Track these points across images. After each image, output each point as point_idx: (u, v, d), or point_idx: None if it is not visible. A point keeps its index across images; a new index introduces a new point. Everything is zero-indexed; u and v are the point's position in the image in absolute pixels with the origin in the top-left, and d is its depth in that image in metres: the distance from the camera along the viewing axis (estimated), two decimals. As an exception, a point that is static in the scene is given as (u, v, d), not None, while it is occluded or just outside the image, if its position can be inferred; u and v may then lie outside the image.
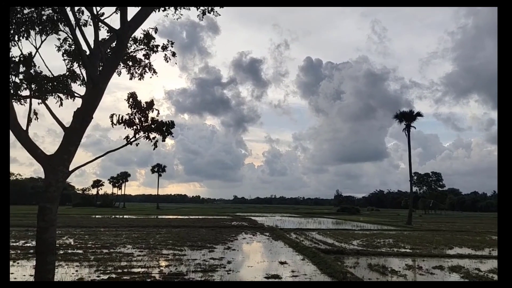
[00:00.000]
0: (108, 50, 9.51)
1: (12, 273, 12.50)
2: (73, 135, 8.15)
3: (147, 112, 9.67)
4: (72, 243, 20.80)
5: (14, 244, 20.30)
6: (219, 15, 10.22)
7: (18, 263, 14.54)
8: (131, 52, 10.54)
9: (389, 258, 17.62)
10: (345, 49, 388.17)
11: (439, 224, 47.32)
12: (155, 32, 10.58)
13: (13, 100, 8.68)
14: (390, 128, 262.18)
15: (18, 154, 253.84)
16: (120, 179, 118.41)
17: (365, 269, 14.43)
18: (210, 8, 10.02)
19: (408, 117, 51.87)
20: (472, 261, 17.13)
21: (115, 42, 8.78)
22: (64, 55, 10.04)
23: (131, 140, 9.70)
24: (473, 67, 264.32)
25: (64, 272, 12.58)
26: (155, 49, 10.61)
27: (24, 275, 12.20)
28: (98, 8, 9.00)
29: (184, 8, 9.94)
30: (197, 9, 10.04)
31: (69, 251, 17.69)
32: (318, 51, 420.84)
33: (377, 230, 34.90)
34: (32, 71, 9.17)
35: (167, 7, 9.75)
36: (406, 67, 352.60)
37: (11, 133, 8.17)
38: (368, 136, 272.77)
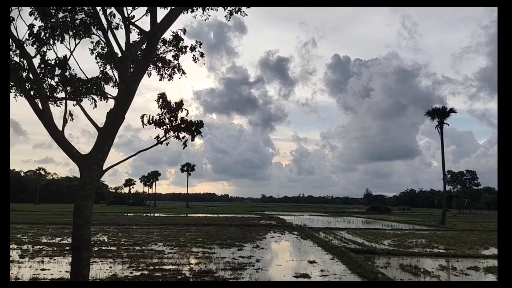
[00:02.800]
0: (139, 52, 9.73)
1: (48, 269, 12.99)
2: (106, 135, 8.39)
3: (176, 112, 9.82)
4: (106, 240, 21.43)
5: (51, 241, 21.11)
6: (246, 15, 10.26)
7: (54, 259, 15.10)
8: (161, 53, 10.74)
9: (421, 258, 17.21)
10: (374, 45, 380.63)
11: (474, 224, 45.80)
12: (184, 33, 10.74)
13: (49, 102, 9.01)
14: (422, 126, 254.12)
15: (54, 154, 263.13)
16: (151, 178, 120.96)
17: (397, 270, 14.16)
18: (237, 8, 10.07)
19: (440, 114, 50.39)
20: (510, 262, 16.48)
21: (145, 44, 8.96)
22: (97, 57, 10.34)
23: (162, 140, 9.89)
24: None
25: (98, 268, 12.96)
26: (183, 50, 10.76)
27: (60, 271, 12.65)
28: (129, 11, 9.23)
29: (211, 9, 10.04)
30: (225, 10, 10.11)
31: (103, 248, 18.22)
32: (346, 48, 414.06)
33: (409, 230, 34.12)
34: (67, 73, 9.49)
35: (195, 8, 9.87)
36: (438, 62, 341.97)
37: (48, 133, 8.51)
38: (399, 134, 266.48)
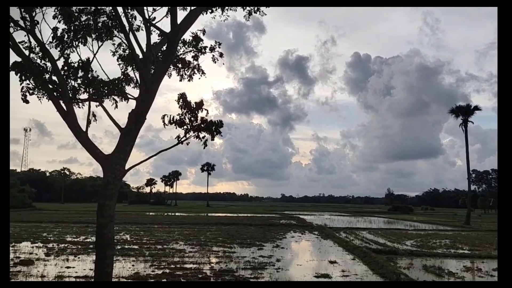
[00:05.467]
0: (159, 54, 9.84)
1: (73, 267, 13.28)
2: (128, 135, 8.52)
3: (196, 112, 9.89)
4: (129, 239, 21.79)
5: (75, 239, 21.59)
6: (265, 14, 10.25)
7: (78, 257, 15.42)
8: (181, 54, 10.82)
9: (445, 259, 16.86)
10: (395, 43, 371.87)
11: (500, 225, 44.55)
12: (203, 34, 10.79)
13: (72, 103, 9.20)
14: (445, 124, 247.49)
15: (78, 154, 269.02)
16: (171, 177, 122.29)
17: (420, 271, 13.91)
18: (256, 8, 10.07)
19: (465, 112, 49.23)
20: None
21: (166, 45, 9.06)
22: (119, 59, 10.50)
23: (182, 140, 9.97)
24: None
25: (121, 267, 13.18)
26: (203, 50, 10.81)
27: (85, 269, 12.92)
28: (150, 13, 9.34)
29: (230, 9, 10.07)
30: (243, 10, 10.12)
31: (126, 246, 18.52)
32: (367, 46, 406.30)
33: (432, 230, 33.50)
34: (89, 75, 9.68)
35: (214, 9, 9.92)
36: (461, 59, 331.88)
37: (72, 134, 8.70)
38: (421, 133, 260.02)
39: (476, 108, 49.67)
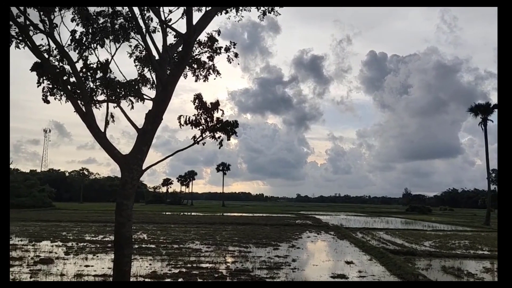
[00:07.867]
0: (175, 55, 9.93)
1: (92, 266, 13.49)
2: (145, 136, 8.63)
3: (212, 112, 9.95)
4: (146, 238, 22.03)
5: (94, 238, 21.94)
6: (279, 14, 10.25)
7: (97, 256, 15.67)
8: (196, 55, 10.91)
9: (465, 260, 16.57)
10: (411, 41, 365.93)
11: (522, 225, 43.53)
12: (218, 35, 10.85)
13: (91, 104, 9.36)
14: (464, 123, 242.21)
15: (96, 154, 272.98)
16: (187, 177, 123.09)
17: (439, 272, 13.70)
18: (270, 8, 10.08)
19: (484, 110, 48.29)
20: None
21: (182, 46, 9.14)
22: (136, 61, 10.65)
23: (198, 140, 10.04)
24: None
25: (138, 265, 13.34)
26: (218, 51, 10.87)
27: (103, 268, 13.11)
28: (166, 14, 9.44)
29: (245, 9, 10.10)
30: (258, 10, 10.14)
31: (143, 245, 18.74)
32: (383, 45, 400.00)
33: (451, 231, 32.95)
34: (107, 76, 9.83)
35: (229, 10, 9.97)
36: (480, 56, 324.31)
37: (91, 135, 8.85)
38: (439, 132, 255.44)
39: (496, 106, 48.65)
